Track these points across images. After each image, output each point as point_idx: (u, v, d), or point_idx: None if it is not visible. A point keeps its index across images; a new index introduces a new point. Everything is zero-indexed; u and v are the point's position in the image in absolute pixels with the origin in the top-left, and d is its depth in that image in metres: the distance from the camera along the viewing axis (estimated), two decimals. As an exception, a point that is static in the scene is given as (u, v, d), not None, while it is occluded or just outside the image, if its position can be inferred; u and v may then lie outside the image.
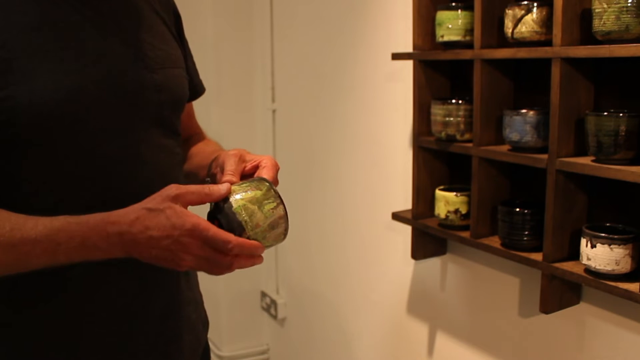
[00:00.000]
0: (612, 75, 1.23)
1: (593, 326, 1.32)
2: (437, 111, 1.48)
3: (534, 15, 1.25)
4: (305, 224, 2.35)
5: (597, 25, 1.11)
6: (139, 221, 0.80)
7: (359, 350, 2.15)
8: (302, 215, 2.35)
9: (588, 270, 1.20)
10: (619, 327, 1.27)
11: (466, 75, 1.51)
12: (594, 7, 1.12)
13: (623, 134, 1.11)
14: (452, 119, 1.45)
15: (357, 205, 2.07)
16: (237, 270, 0.84)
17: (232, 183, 0.87)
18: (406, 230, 1.73)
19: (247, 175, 0.94)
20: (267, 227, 0.84)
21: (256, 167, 0.94)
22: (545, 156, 1.24)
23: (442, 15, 1.44)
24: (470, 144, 1.42)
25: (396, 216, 1.67)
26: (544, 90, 1.27)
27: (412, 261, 1.81)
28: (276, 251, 2.62)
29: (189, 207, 0.83)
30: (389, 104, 1.84)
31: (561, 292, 1.29)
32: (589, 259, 1.17)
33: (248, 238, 0.82)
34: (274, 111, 2.54)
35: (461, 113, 1.45)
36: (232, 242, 0.80)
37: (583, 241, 1.19)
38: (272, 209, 0.84)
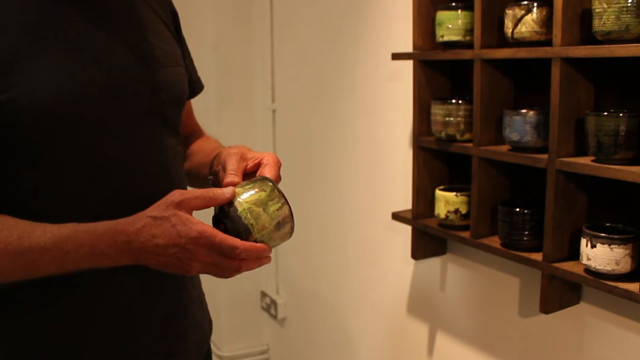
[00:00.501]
0: (612, 75, 1.22)
1: (593, 326, 1.32)
2: (437, 111, 1.48)
3: (534, 15, 1.25)
4: (306, 224, 2.35)
5: (597, 25, 1.11)
6: (145, 229, 0.80)
7: (359, 350, 2.15)
8: (302, 215, 2.34)
9: (588, 270, 1.20)
10: (619, 327, 1.27)
11: (466, 75, 1.51)
12: (594, 7, 1.12)
13: (623, 134, 1.11)
14: (452, 119, 1.45)
15: (357, 205, 2.07)
16: (238, 271, 0.84)
17: (235, 184, 0.87)
18: (406, 230, 1.73)
19: (249, 174, 0.93)
20: (273, 228, 0.84)
21: (258, 165, 0.94)
22: (545, 156, 1.24)
23: (442, 15, 1.44)
24: (470, 144, 1.42)
25: (396, 216, 1.67)
26: (544, 90, 1.27)
27: (412, 261, 1.81)
28: (276, 251, 2.62)
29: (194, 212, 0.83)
30: (389, 104, 1.84)
31: (561, 292, 1.29)
32: (589, 259, 1.17)
33: (255, 241, 0.82)
34: (274, 111, 2.54)
35: (461, 113, 1.45)
36: (240, 247, 0.80)
37: (583, 241, 1.19)
38: (277, 209, 0.84)
